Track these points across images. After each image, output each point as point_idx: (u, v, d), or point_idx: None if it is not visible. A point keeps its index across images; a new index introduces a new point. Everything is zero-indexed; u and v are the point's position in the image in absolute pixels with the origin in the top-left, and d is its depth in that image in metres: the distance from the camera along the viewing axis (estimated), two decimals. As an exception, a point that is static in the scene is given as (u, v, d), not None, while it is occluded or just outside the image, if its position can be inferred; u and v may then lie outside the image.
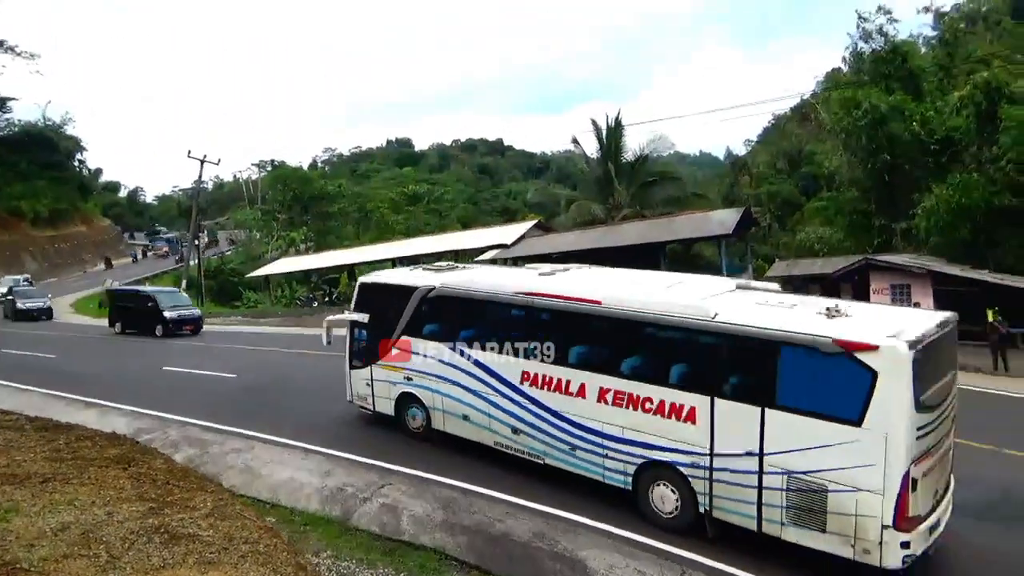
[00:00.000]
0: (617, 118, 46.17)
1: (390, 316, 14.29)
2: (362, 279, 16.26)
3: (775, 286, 12.31)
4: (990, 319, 20.45)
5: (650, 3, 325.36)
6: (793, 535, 9.10)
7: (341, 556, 9.46)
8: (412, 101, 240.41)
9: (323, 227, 62.17)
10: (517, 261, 35.46)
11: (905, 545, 8.33)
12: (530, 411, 11.96)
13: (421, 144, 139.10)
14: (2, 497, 8.98)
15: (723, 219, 32.37)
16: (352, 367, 15.32)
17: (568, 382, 11.40)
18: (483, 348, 12.68)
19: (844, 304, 9.87)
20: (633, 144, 46.92)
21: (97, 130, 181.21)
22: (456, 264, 16.86)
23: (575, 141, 50.65)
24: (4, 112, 67.14)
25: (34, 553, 7.43)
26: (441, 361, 13.37)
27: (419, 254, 41.89)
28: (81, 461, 10.96)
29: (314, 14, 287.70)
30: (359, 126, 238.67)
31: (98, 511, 8.72)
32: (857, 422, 8.43)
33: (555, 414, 11.59)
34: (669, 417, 10.17)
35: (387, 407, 14.60)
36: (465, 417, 13.07)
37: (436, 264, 16.88)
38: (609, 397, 10.84)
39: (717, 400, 9.65)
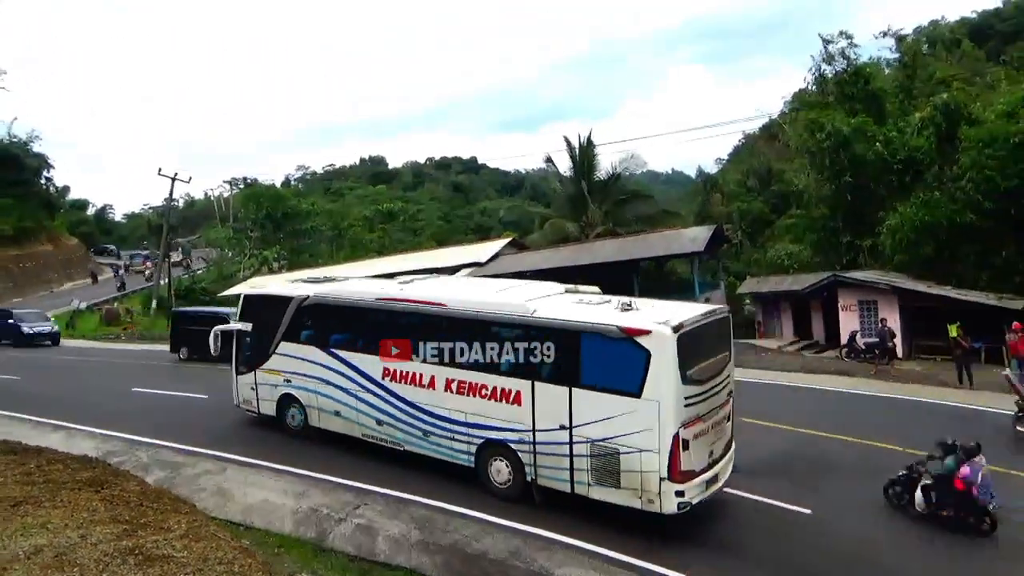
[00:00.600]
0: (589, 137, 46.82)
1: (271, 324, 15.62)
2: (246, 291, 17.75)
3: (595, 289, 13.90)
4: (952, 334, 20.92)
5: (621, 25, 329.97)
6: (597, 493, 10.88)
7: (316, 577, 9.44)
8: (386, 120, 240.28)
9: (296, 245, 61.69)
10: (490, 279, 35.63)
11: (680, 494, 10.17)
12: (391, 403, 13.43)
13: (395, 162, 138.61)
14: (-28, 522, 8.84)
15: (695, 236, 32.82)
16: (238, 373, 16.53)
17: (421, 375, 12.97)
18: (350, 349, 14.17)
19: (639, 301, 11.74)
20: (606, 163, 47.58)
21: (65, 147, 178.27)
22: (334, 277, 18.50)
23: (548, 160, 51.21)
24: (-35, 129, 65.85)
25: (7, 577, 7.35)
26: (316, 363, 14.73)
27: (392, 272, 41.77)
28: (53, 484, 10.80)
29: (286, 33, 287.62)
30: (333, 144, 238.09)
31: (71, 533, 8.62)
32: (638, 394, 10.28)
33: (411, 404, 13.12)
34: (501, 401, 11.88)
35: (270, 408, 15.85)
36: (337, 413, 14.48)
37: (313, 276, 18.83)
38: (454, 387, 12.48)
39: (537, 384, 11.42)
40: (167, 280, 49.12)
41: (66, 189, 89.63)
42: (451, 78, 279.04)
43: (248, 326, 16.39)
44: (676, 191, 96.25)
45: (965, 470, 10.81)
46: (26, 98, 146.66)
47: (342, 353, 14.28)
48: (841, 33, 35.58)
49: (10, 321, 34.77)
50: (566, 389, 11.07)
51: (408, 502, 11.67)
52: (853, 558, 9.94)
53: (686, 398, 10.27)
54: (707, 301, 31.46)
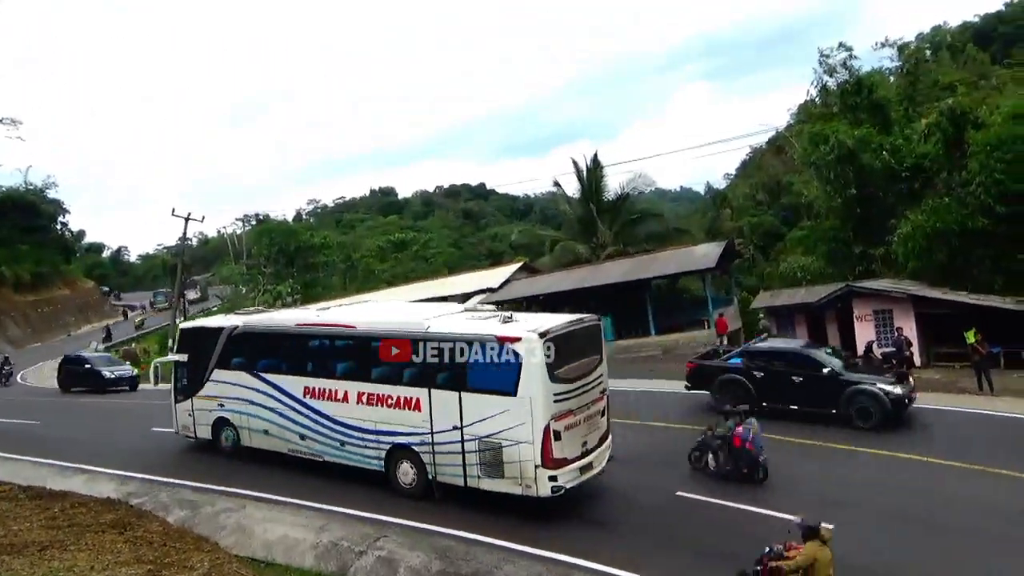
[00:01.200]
0: (595, 158, 46.89)
1: (206, 354, 17.01)
2: (182, 325, 19.33)
3: (491, 307, 15.54)
4: (970, 340, 20.73)
5: (624, 45, 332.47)
6: (486, 484, 12.35)
7: (339, 611, 9.44)
8: (394, 150, 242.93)
9: (309, 279, 62.13)
10: (504, 304, 35.76)
11: (553, 479, 11.67)
12: (311, 419, 14.80)
13: (405, 192, 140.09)
14: (1, 568, 8.94)
15: (706, 252, 32.83)
16: (177, 402, 17.86)
17: (336, 391, 14.39)
18: (276, 372, 15.59)
19: (520, 315, 13.77)
20: (614, 183, 47.54)
21: (80, 192, 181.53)
22: (264, 308, 20.88)
23: (556, 183, 51.48)
24: (-14, 178, 67.33)
25: (34, 622, 7.42)
26: (245, 387, 16.10)
27: (406, 302, 42.03)
28: (77, 528, 10.91)
29: (292, 66, 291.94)
30: (343, 177, 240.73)
31: (97, 576, 8.72)
32: (513, 393, 11.80)
33: (329, 418, 14.48)
34: (404, 409, 13.29)
35: (206, 432, 17.19)
36: (266, 432, 15.77)
37: (246, 309, 21.17)
38: (364, 399, 13.90)
39: (433, 391, 12.88)
40: (183, 318, 49.57)
41: (81, 233, 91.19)
42: (457, 105, 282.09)
43: (184, 357, 17.78)
44: (685, 208, 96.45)
45: (740, 429, 13.66)
46: (40, 145, 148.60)
47: (268, 376, 15.71)
48: (840, 45, 35.65)
49: (87, 367, 34.18)
50: (456, 394, 12.53)
51: (427, 532, 11.71)
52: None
53: (555, 395, 11.82)
54: (721, 316, 31.49)
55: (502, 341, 12.02)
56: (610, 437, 13.43)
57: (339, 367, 14.52)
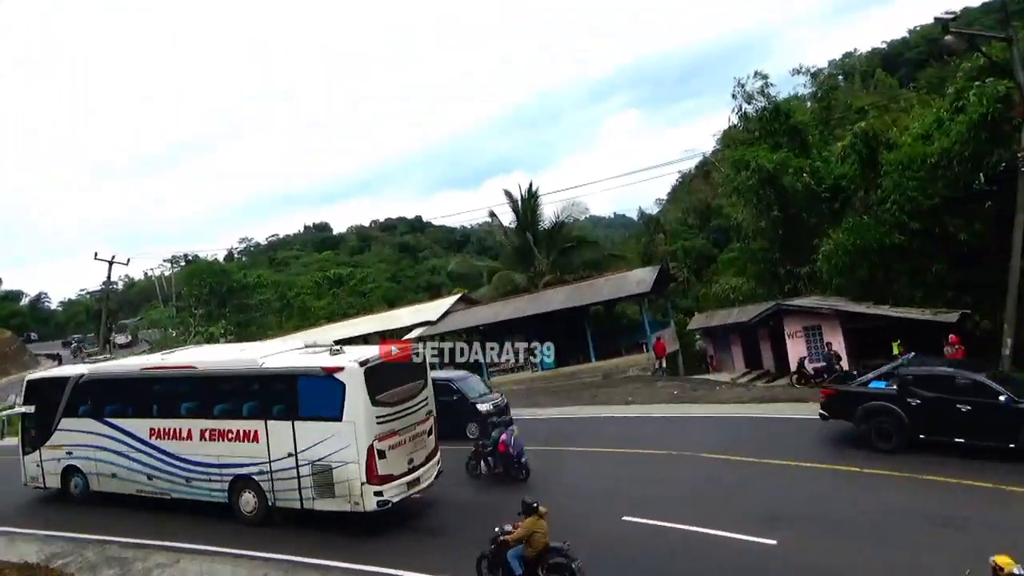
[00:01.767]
0: (531, 188, 47.27)
1: (53, 404, 17.55)
2: (28, 377, 19.64)
3: (329, 342, 15.98)
4: (895, 352, 21.50)
5: (553, 77, 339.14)
6: (320, 504, 13.41)
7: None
8: (328, 186, 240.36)
9: (244, 319, 60.62)
10: (444, 336, 35.49)
11: (378, 494, 12.91)
12: (157, 458, 15.64)
13: (340, 227, 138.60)
14: None
15: (642, 278, 33.31)
16: (25, 453, 18.34)
17: (180, 430, 15.30)
18: (122, 416, 16.33)
19: (349, 348, 14.92)
20: (549, 212, 47.93)
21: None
22: (112, 356, 21.92)
23: (492, 214, 51.38)
24: None
25: None
26: (93, 433, 16.74)
27: (344, 338, 41.30)
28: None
29: (226, 99, 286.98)
30: (275, 216, 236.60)
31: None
32: (339, 418, 13.01)
33: (174, 456, 15.36)
34: (243, 441, 14.29)
35: (55, 481, 17.71)
36: (114, 475, 16.50)
37: (94, 357, 22.62)
38: (207, 435, 14.83)
39: (269, 422, 13.96)
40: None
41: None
42: (391, 140, 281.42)
43: (32, 408, 18.30)
44: (620, 234, 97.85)
45: (504, 436, 15.80)
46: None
47: (115, 421, 16.42)
48: (756, 73, 36.85)
49: None
50: (290, 423, 13.70)
51: (372, 575, 11.43)
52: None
53: (377, 417, 13.09)
54: (659, 340, 31.96)
55: (328, 372, 13.29)
56: (439, 454, 14.90)
57: (183, 406, 15.44)
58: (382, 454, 12.98)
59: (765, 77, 36.35)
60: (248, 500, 14.42)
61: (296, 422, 13.61)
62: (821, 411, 17.02)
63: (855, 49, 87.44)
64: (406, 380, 14.17)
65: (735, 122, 38.66)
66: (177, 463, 15.33)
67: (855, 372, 20.23)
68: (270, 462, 13.94)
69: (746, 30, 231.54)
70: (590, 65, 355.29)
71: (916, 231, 26.27)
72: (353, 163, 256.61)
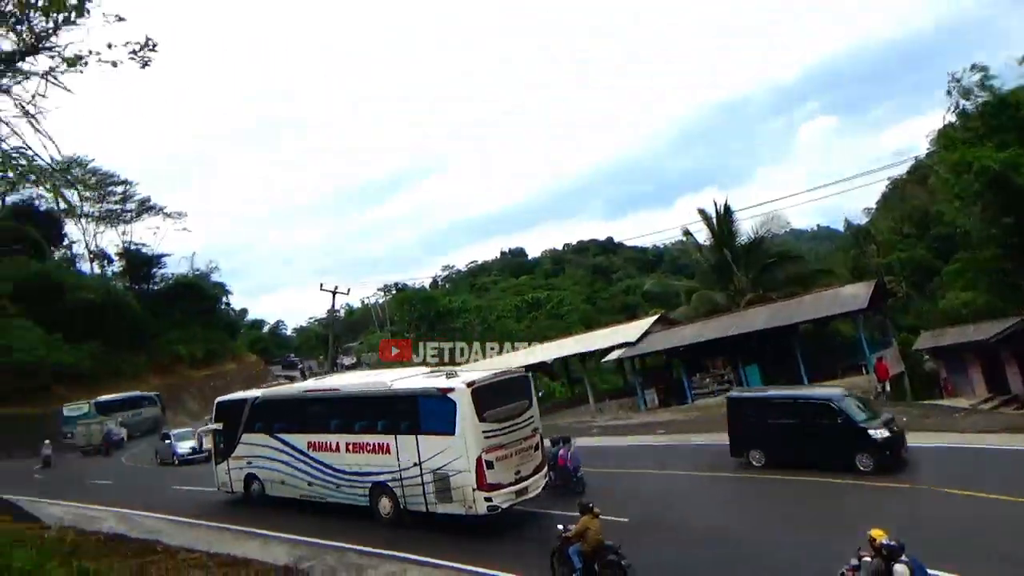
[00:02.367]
0: (726, 204, 46.12)
1: (236, 422, 20.58)
2: (217, 400, 22.68)
3: (451, 368, 19.31)
4: None
5: (738, 86, 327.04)
6: (441, 508, 15.29)
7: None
8: (520, 212, 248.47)
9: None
10: (644, 357, 35.48)
11: (488, 500, 14.56)
12: (314, 468, 18.06)
13: (534, 252, 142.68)
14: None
15: (855, 293, 31.25)
16: (216, 463, 21.48)
17: (330, 443, 17.70)
18: (288, 432, 18.97)
19: (462, 371, 17.03)
20: (746, 227, 46.43)
21: (234, 275, 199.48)
22: (286, 381, 26.10)
23: (687, 232, 50.60)
24: (160, 268, 75.10)
25: None
26: (266, 446, 19.51)
27: (545, 360, 42.67)
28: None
29: (436, 132, 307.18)
30: (472, 243, 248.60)
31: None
32: (453, 432, 14.90)
33: (326, 466, 17.71)
34: (378, 452, 16.44)
35: (240, 487, 20.56)
36: (283, 482, 18.99)
37: (269, 383, 27.31)
38: (350, 447, 17.16)
39: (398, 436, 16.07)
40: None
41: (244, 312, 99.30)
42: (580, 162, 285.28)
43: (220, 426, 21.30)
44: (825, 247, 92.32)
45: (562, 451, 17.97)
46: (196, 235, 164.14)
47: (283, 435, 19.07)
48: (973, 67, 33.36)
49: None
50: (415, 437, 15.68)
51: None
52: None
53: (484, 432, 14.77)
54: (880, 360, 29.74)
55: (442, 392, 15.25)
56: (546, 467, 16.59)
57: (332, 423, 17.81)
58: (490, 464, 14.62)
59: (984, 69, 32.92)
60: (385, 504, 16.45)
61: (420, 436, 15.58)
62: None
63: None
64: (512, 400, 15.77)
65: (952, 120, 35.28)
66: (329, 471, 17.66)
67: None
68: (400, 471, 15.94)
69: (949, 19, 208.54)
70: (771, 69, 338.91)
71: None
72: (542, 187, 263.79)
